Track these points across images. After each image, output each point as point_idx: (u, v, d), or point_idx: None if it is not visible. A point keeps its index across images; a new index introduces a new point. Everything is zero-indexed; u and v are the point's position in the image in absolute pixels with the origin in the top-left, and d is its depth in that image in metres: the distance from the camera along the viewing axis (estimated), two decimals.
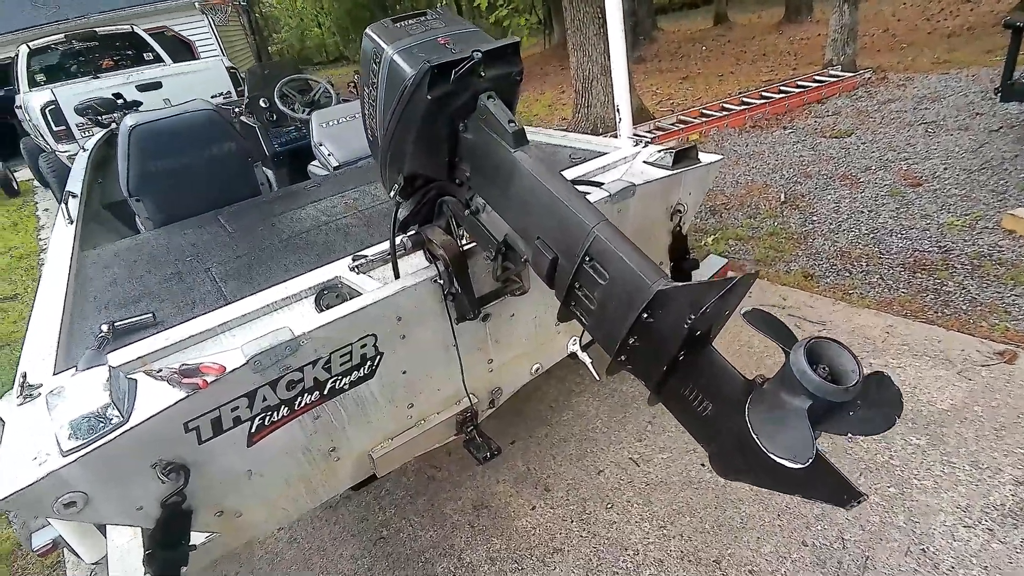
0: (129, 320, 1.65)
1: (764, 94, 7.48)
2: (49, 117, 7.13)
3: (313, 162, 3.55)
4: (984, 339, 2.87)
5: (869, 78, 7.57)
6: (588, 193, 1.91)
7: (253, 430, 1.40)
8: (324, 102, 4.12)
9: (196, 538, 1.49)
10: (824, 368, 0.80)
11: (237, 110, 4.65)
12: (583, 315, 1.19)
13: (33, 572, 2.57)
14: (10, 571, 2.60)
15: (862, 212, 4.38)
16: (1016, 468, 2.21)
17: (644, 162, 2.22)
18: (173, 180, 2.67)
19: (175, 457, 1.30)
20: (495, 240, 1.36)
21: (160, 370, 1.33)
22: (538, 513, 2.41)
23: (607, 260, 1.07)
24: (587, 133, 7.24)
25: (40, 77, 8.15)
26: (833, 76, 7.63)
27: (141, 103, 5.82)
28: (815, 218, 4.44)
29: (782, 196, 4.88)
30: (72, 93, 6.90)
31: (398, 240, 1.61)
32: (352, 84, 5.45)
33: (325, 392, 1.50)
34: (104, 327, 1.59)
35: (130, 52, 8.92)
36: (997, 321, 2.97)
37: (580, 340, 2.19)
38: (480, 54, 1.19)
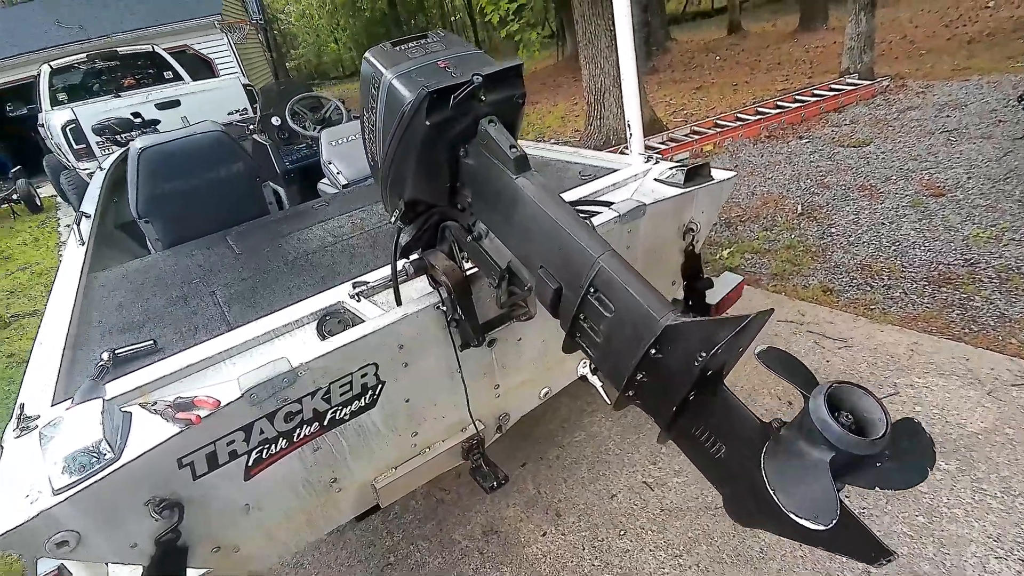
0: (130, 348, 1.62)
1: (779, 104, 7.39)
2: (70, 135, 7.26)
3: (323, 180, 3.55)
4: (1014, 357, 2.75)
5: (887, 86, 7.44)
6: (598, 213, 1.86)
7: (250, 464, 1.36)
8: (335, 119, 4.13)
9: (193, 574, 1.45)
10: (847, 416, 0.74)
11: (252, 127, 4.68)
12: (589, 347, 1.14)
13: None
14: None
15: (883, 224, 4.26)
16: None
17: (655, 179, 2.17)
18: (182, 202, 2.67)
19: (169, 494, 1.26)
20: (498, 267, 1.31)
21: (155, 403, 1.30)
22: (549, 540, 2.34)
23: (613, 292, 1.02)
24: (600, 145, 7.21)
25: (62, 96, 8.32)
26: (850, 84, 7.51)
27: (159, 121, 5.91)
28: (834, 230, 4.34)
29: (799, 208, 4.78)
30: (92, 112, 7.01)
31: (400, 265, 1.57)
32: None
33: (325, 423, 1.46)
34: (105, 355, 1.56)
35: (151, 71, 9.07)
36: None
37: (590, 363, 2.13)
38: (480, 78, 1.15)
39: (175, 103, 7.82)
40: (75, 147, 7.28)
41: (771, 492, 0.75)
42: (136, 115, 6.00)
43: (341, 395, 1.45)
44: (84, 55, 8.64)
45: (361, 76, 1.32)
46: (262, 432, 1.34)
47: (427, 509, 2.60)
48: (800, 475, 0.74)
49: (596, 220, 1.80)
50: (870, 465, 0.73)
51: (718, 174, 2.14)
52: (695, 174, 2.07)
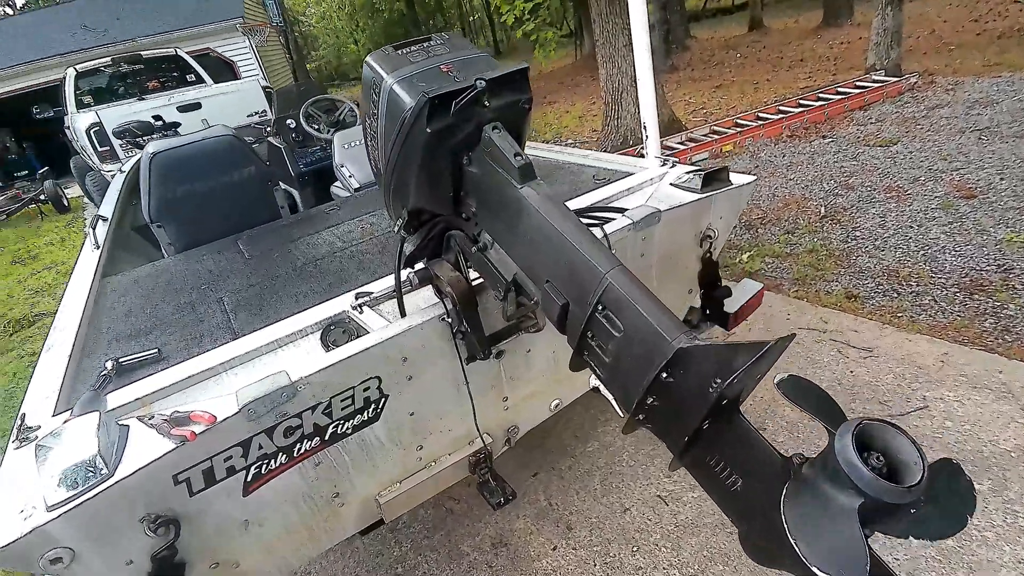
0: (134, 357, 1.60)
1: (802, 102, 7.21)
2: (94, 138, 7.38)
3: (335, 183, 3.53)
4: None
5: (915, 83, 7.22)
6: (611, 220, 1.80)
7: (249, 479, 1.33)
8: (349, 122, 4.11)
9: None
10: (878, 457, 0.67)
11: (269, 129, 4.69)
12: (597, 367, 1.08)
13: None
14: None
15: (911, 227, 4.11)
16: None
17: (671, 184, 2.09)
18: (194, 206, 2.67)
19: (165, 510, 1.23)
20: (504, 280, 1.26)
21: (152, 417, 1.27)
22: (559, 554, 2.28)
23: (621, 311, 0.96)
24: (617, 145, 7.12)
25: (87, 99, 8.47)
26: (876, 81, 7.30)
27: (180, 124, 5.97)
28: (858, 233, 4.20)
29: (822, 210, 4.65)
30: (116, 114, 7.11)
31: (405, 275, 1.52)
32: None
33: (326, 437, 1.42)
34: (109, 364, 1.55)
35: (174, 74, 9.19)
36: None
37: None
38: (484, 82, 1.10)
39: (196, 106, 7.90)
40: (99, 149, 7.40)
41: (792, 540, 0.68)
42: (157, 118, 6.06)
43: (343, 409, 1.41)
44: (109, 58, 8.78)
45: (362, 81, 1.28)
46: (261, 447, 1.31)
47: (436, 519, 2.56)
48: (824, 523, 0.67)
49: (609, 227, 1.74)
50: (903, 512, 0.66)
51: (737, 178, 2.05)
52: (713, 178, 1.99)
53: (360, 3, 24.38)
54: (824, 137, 6.28)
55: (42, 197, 11.05)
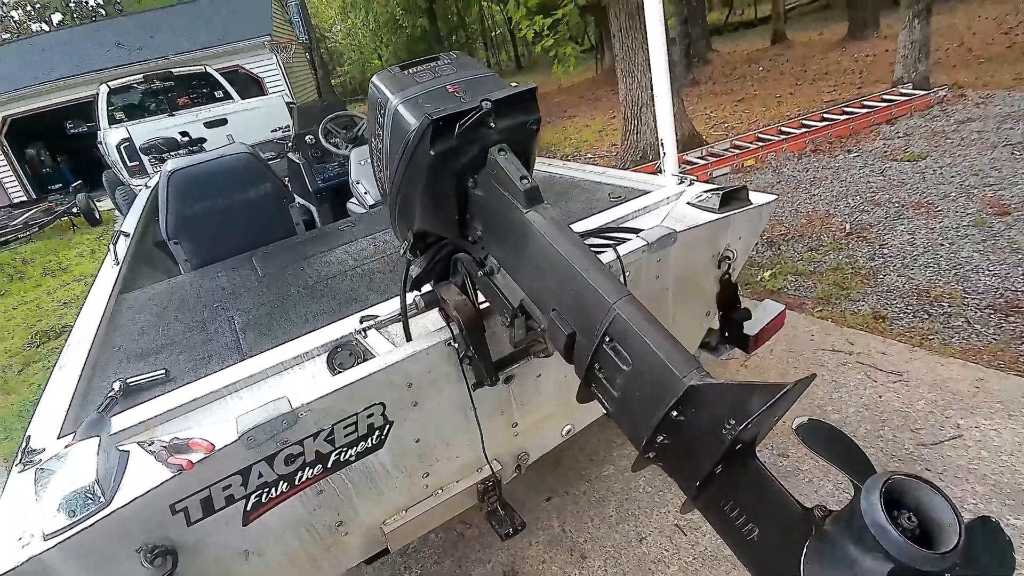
0: (142, 377, 1.59)
1: (826, 115, 7.08)
2: (124, 153, 7.57)
3: (351, 199, 3.54)
4: None
5: (945, 96, 7.04)
6: (625, 241, 1.75)
7: (249, 508, 1.30)
8: (367, 138, 4.13)
9: None
10: (909, 517, 0.61)
11: (290, 144, 4.75)
12: (605, 400, 1.03)
13: None
14: None
15: (941, 244, 3.97)
16: None
17: (688, 203, 2.03)
18: (210, 223, 2.69)
19: (162, 540, 1.20)
20: (510, 305, 1.22)
21: (151, 443, 1.25)
22: None
23: (629, 344, 0.91)
24: (637, 160, 7.06)
25: (119, 115, 8.72)
26: (904, 95, 7.14)
27: (205, 140, 6.09)
28: (886, 251, 4.07)
29: (847, 226, 4.52)
30: (145, 130, 7.30)
31: (411, 298, 1.49)
32: None
33: (329, 465, 1.38)
34: (116, 385, 1.54)
35: (203, 90, 9.42)
36: None
37: None
38: (489, 103, 1.07)
39: (222, 121, 8.07)
40: (129, 164, 7.59)
41: None
42: (184, 134, 6.19)
43: (346, 436, 1.37)
44: (140, 75, 9.04)
45: (368, 101, 1.26)
46: (261, 475, 1.28)
47: (447, 544, 2.50)
48: None
49: (623, 249, 1.69)
50: None
51: (757, 198, 1.99)
52: (732, 198, 1.93)
53: (383, 20, 24.76)
54: (849, 152, 6.14)
55: (75, 210, 11.37)
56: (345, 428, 1.35)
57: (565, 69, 7.97)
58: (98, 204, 12.00)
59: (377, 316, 1.58)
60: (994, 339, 2.97)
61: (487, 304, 1.43)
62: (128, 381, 1.56)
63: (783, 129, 6.99)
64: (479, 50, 32.93)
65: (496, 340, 1.50)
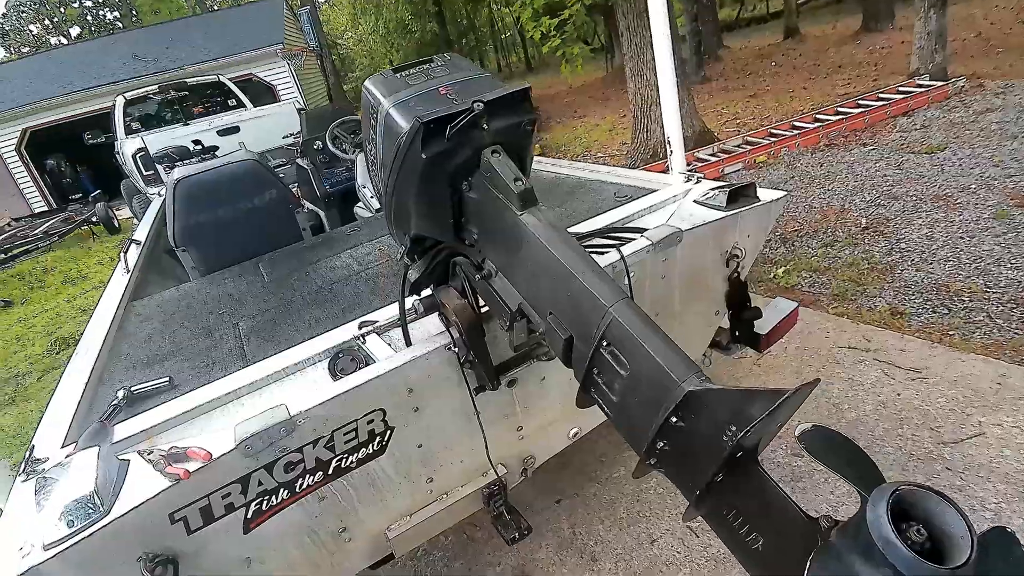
0: (146, 385, 1.60)
1: (840, 109, 6.95)
2: (140, 162, 7.69)
3: (358, 204, 3.54)
4: None
5: (963, 87, 6.88)
6: (630, 240, 1.72)
7: (249, 516, 1.29)
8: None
9: None
10: (919, 530, 0.57)
11: (299, 150, 4.78)
12: (605, 405, 1.01)
13: None
14: None
15: (961, 238, 3.87)
16: None
17: (695, 201, 1.99)
18: (217, 230, 2.70)
19: (162, 549, 1.20)
20: (508, 309, 1.19)
21: (151, 452, 1.25)
22: None
23: (627, 348, 0.89)
24: (646, 158, 7.00)
25: (136, 125, 8.86)
26: (920, 86, 6.99)
27: (218, 147, 6.16)
28: (903, 245, 3.97)
29: (863, 221, 4.43)
30: (160, 140, 7.41)
31: (410, 303, 1.48)
32: None
33: (330, 472, 1.37)
34: (121, 393, 1.55)
35: (217, 99, 9.54)
36: None
37: None
38: (481, 105, 1.05)
39: (235, 129, 8.17)
40: (145, 173, 7.71)
41: None
42: (197, 142, 6.27)
43: (346, 443, 1.36)
44: (156, 86, 9.18)
45: (362, 105, 1.24)
46: (261, 483, 1.27)
47: (457, 546, 2.48)
48: None
49: (627, 249, 1.65)
50: None
51: (765, 194, 1.94)
52: (739, 195, 1.89)
53: (393, 25, 24.89)
54: (865, 145, 6.03)
55: (94, 219, 11.57)
56: (345, 435, 1.34)
57: (573, 69, 7.93)
58: (117, 213, 12.20)
59: (376, 321, 1.56)
60: (1017, 334, 2.88)
61: (487, 308, 1.41)
62: (132, 389, 1.57)
63: (796, 124, 6.88)
64: (489, 53, 32.98)
65: (496, 345, 1.48)
